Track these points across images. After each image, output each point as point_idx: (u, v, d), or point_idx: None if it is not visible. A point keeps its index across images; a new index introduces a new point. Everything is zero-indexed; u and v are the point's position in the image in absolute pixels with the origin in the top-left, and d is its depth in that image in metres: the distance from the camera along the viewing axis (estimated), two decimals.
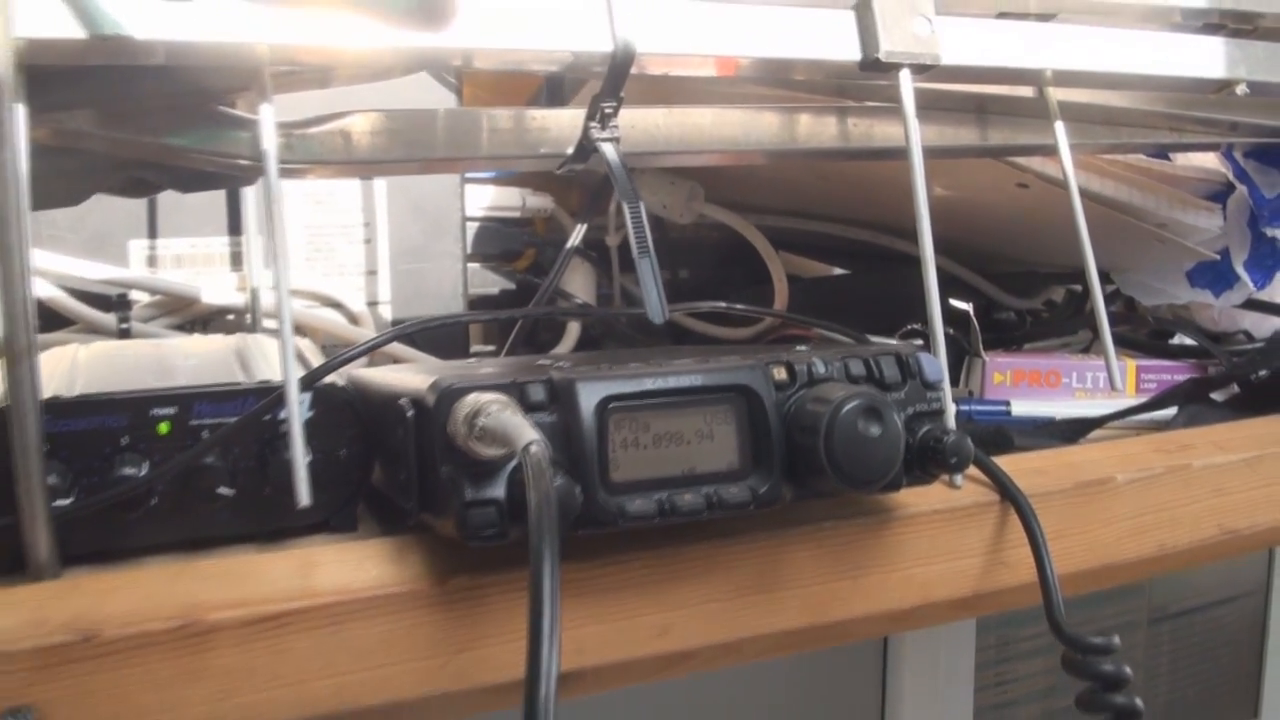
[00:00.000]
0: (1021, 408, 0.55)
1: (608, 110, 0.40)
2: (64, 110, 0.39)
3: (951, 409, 0.37)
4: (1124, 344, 0.66)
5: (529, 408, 0.31)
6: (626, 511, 0.31)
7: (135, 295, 0.58)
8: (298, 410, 0.35)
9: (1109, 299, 0.71)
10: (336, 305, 0.61)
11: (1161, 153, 0.66)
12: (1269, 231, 0.66)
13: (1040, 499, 0.40)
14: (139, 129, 0.39)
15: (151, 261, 0.59)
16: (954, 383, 0.57)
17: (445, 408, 0.30)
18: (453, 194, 0.64)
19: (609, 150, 0.40)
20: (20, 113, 0.33)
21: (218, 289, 0.58)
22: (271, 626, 0.31)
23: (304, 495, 0.34)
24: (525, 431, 0.27)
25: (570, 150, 0.43)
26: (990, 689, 0.94)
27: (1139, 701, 0.36)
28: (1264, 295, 0.70)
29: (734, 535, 0.36)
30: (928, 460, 0.34)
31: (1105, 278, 0.72)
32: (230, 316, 0.60)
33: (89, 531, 0.35)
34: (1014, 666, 0.95)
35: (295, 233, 0.61)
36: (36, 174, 0.35)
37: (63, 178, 0.42)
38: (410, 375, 0.36)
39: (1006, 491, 0.40)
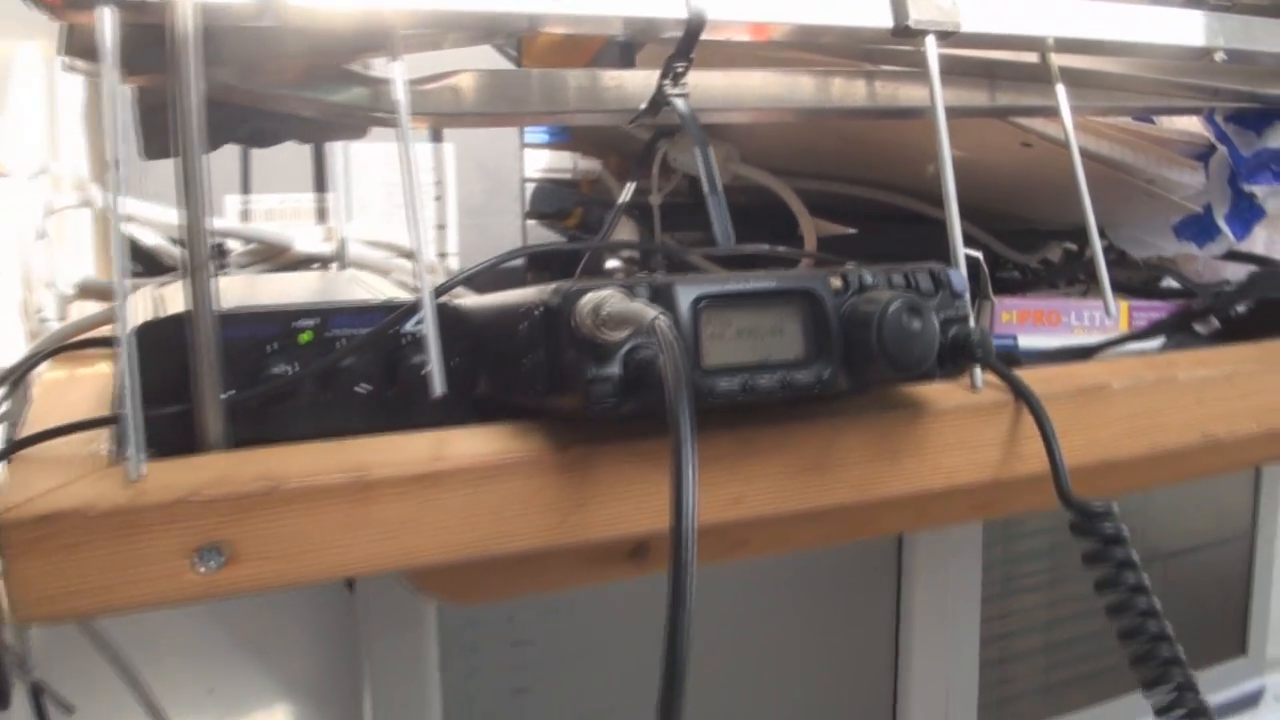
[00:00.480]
0: (1027, 341, 0.63)
1: (679, 70, 0.47)
2: (213, 66, 0.45)
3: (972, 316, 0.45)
4: (1117, 288, 0.73)
5: None
6: (716, 390, 0.38)
7: (230, 244, 0.65)
8: (433, 315, 0.42)
9: (1104, 252, 0.79)
10: (410, 256, 0.68)
11: (1147, 117, 0.73)
12: (1247, 188, 0.73)
13: (1046, 401, 0.48)
14: (280, 84, 0.46)
15: (245, 215, 0.66)
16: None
17: (570, 305, 0.37)
18: (513, 156, 0.71)
19: (680, 104, 0.47)
20: (200, 67, 0.39)
21: (308, 238, 0.65)
22: (424, 484, 0.38)
23: (438, 386, 0.41)
24: (648, 311, 0.34)
25: (642, 106, 0.50)
26: (995, 620, 1.01)
27: (1134, 553, 0.43)
28: (1244, 247, 0.77)
29: (796, 421, 0.43)
30: (958, 353, 0.41)
31: (1100, 233, 0.79)
32: (315, 265, 0.67)
33: (244, 423, 0.41)
34: (1017, 600, 1.03)
35: (376, 190, 0.67)
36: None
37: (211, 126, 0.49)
38: (514, 295, 0.43)
39: (1020, 392, 0.47)
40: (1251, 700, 1.23)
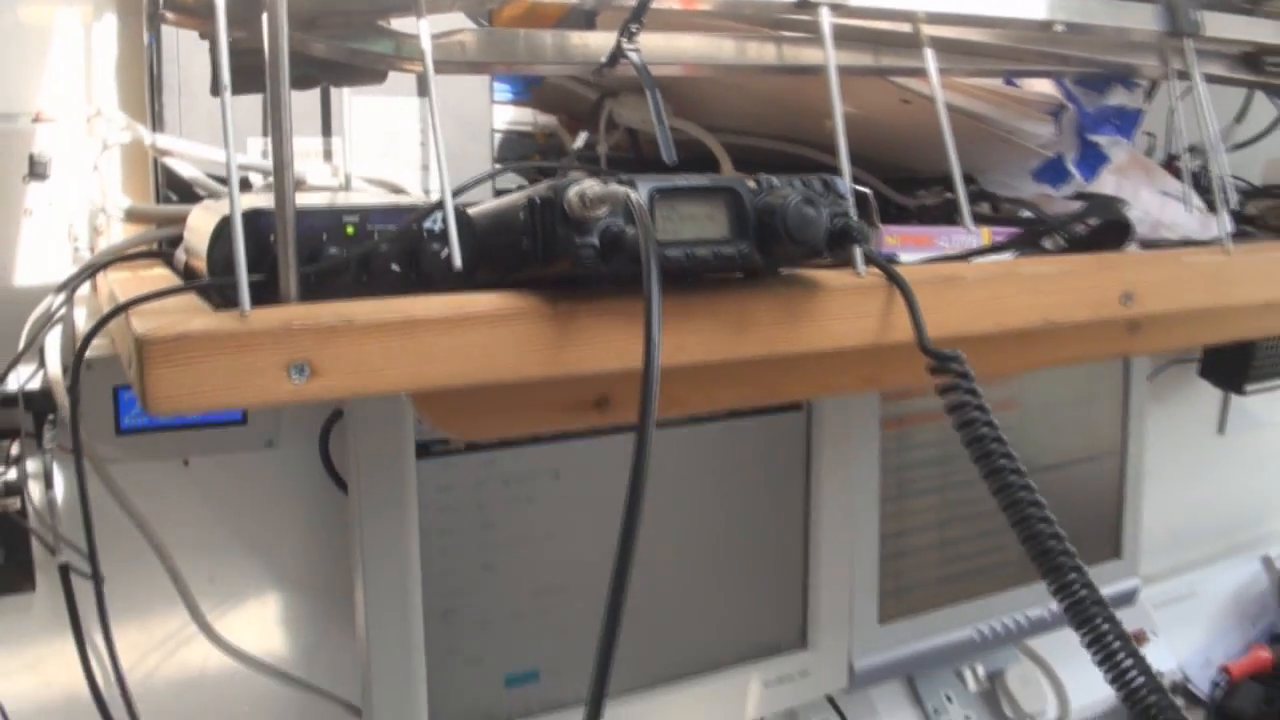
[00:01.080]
0: (905, 257, 0.78)
1: (634, 30, 0.61)
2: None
3: (866, 213, 0.59)
4: (982, 220, 0.88)
5: None
6: (667, 257, 0.53)
7: (253, 178, 0.78)
8: (451, 211, 0.56)
9: (974, 196, 0.94)
10: (400, 190, 0.81)
11: (1011, 80, 0.89)
12: (1092, 138, 0.90)
13: (913, 285, 0.63)
14: (323, 34, 0.59)
15: (265, 154, 0.79)
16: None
17: (561, 192, 0.51)
18: (484, 111, 0.85)
19: (634, 57, 0.61)
20: (284, 23, 0.53)
21: (318, 174, 0.78)
22: (453, 325, 0.52)
23: (457, 260, 0.55)
24: (621, 190, 0.49)
25: (604, 59, 0.64)
26: (892, 520, 1.17)
27: (979, 390, 0.58)
28: (1092, 188, 0.93)
29: (722, 291, 0.58)
30: (841, 236, 0.56)
31: (970, 177, 0.94)
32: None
33: (306, 292, 0.54)
34: (911, 502, 1.19)
35: (373, 136, 0.81)
36: (240, 66, 0.55)
37: (257, 71, 0.62)
38: (510, 197, 0.57)
39: (891, 275, 0.62)
40: (1128, 598, 1.42)
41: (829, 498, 1.11)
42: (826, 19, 0.65)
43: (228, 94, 0.51)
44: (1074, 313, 0.72)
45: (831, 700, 1.24)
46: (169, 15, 0.58)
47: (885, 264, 0.63)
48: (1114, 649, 0.59)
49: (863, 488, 1.15)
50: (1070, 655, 1.42)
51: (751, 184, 0.56)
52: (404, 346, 0.51)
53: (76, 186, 0.80)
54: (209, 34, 0.59)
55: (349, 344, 0.50)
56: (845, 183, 0.59)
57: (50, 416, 0.86)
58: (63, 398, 0.78)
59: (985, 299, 0.67)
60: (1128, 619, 1.48)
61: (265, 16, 0.51)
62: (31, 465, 0.89)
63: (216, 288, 0.53)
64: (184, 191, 0.77)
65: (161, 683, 0.95)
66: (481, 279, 0.57)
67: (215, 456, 0.94)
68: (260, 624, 1.00)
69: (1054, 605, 1.20)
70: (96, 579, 0.82)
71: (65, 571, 0.88)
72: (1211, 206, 0.93)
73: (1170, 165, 1.19)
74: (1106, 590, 1.34)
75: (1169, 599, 1.62)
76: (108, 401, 0.86)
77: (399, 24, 0.61)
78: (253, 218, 0.54)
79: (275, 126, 0.53)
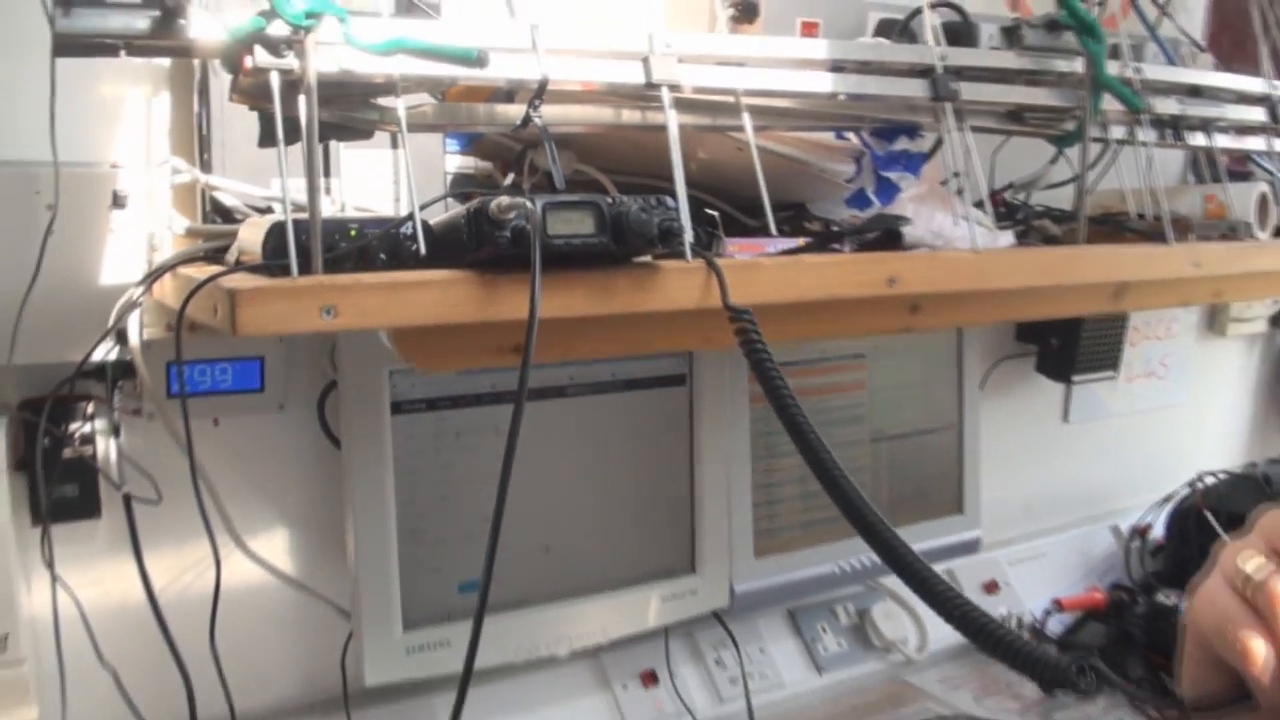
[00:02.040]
0: (740, 256, 1.10)
1: (536, 104, 0.94)
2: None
3: (683, 218, 0.92)
4: (802, 233, 1.21)
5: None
6: (553, 244, 0.85)
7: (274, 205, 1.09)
8: (419, 219, 0.87)
9: (807, 218, 1.27)
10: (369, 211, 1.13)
11: (841, 133, 1.22)
12: (885, 174, 1.23)
13: (724, 269, 0.95)
14: (332, 108, 0.91)
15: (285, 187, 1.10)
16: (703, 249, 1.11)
17: (488, 202, 0.83)
18: (439, 158, 1.17)
19: (537, 120, 0.94)
20: (315, 102, 0.84)
21: (323, 201, 1.09)
22: (420, 286, 0.84)
23: (423, 249, 0.87)
24: (524, 201, 0.81)
25: (519, 123, 0.96)
26: (762, 474, 1.50)
27: (760, 332, 0.90)
28: (892, 210, 1.26)
29: (593, 270, 0.90)
30: (668, 233, 0.88)
31: (802, 207, 1.27)
32: None
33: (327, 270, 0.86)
34: (778, 460, 1.51)
35: (358, 178, 1.13)
36: (272, 129, 0.87)
37: (292, 130, 0.94)
38: (458, 210, 0.89)
39: (707, 261, 0.94)
40: (970, 547, 1.74)
41: (709, 455, 1.44)
42: (667, 96, 0.98)
43: (282, 148, 0.83)
44: (848, 290, 1.05)
45: (723, 624, 1.56)
46: (234, 97, 0.90)
47: (703, 252, 0.95)
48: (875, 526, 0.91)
49: (737, 448, 1.47)
50: None
51: (610, 200, 0.88)
52: (390, 299, 0.83)
53: (144, 213, 1.11)
54: (258, 108, 0.91)
55: (358, 296, 0.82)
56: (678, 200, 0.91)
57: (119, 383, 1.17)
58: (143, 366, 1.09)
59: (780, 279, 1.00)
60: (980, 570, 1.82)
61: (301, 99, 0.83)
62: (100, 424, 1.19)
63: (272, 267, 0.85)
64: (225, 216, 1.08)
65: (200, 593, 1.25)
66: (438, 262, 0.89)
67: (239, 417, 1.25)
68: (270, 551, 1.30)
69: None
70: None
71: (128, 500, 1.18)
72: (999, 224, 1.27)
73: (995, 197, 1.54)
74: (950, 540, 1.68)
75: (1022, 558, 1.94)
76: (161, 373, 1.17)
77: (382, 100, 0.93)
78: (281, 226, 0.85)
79: (310, 167, 0.85)
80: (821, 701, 1.61)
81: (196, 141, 1.11)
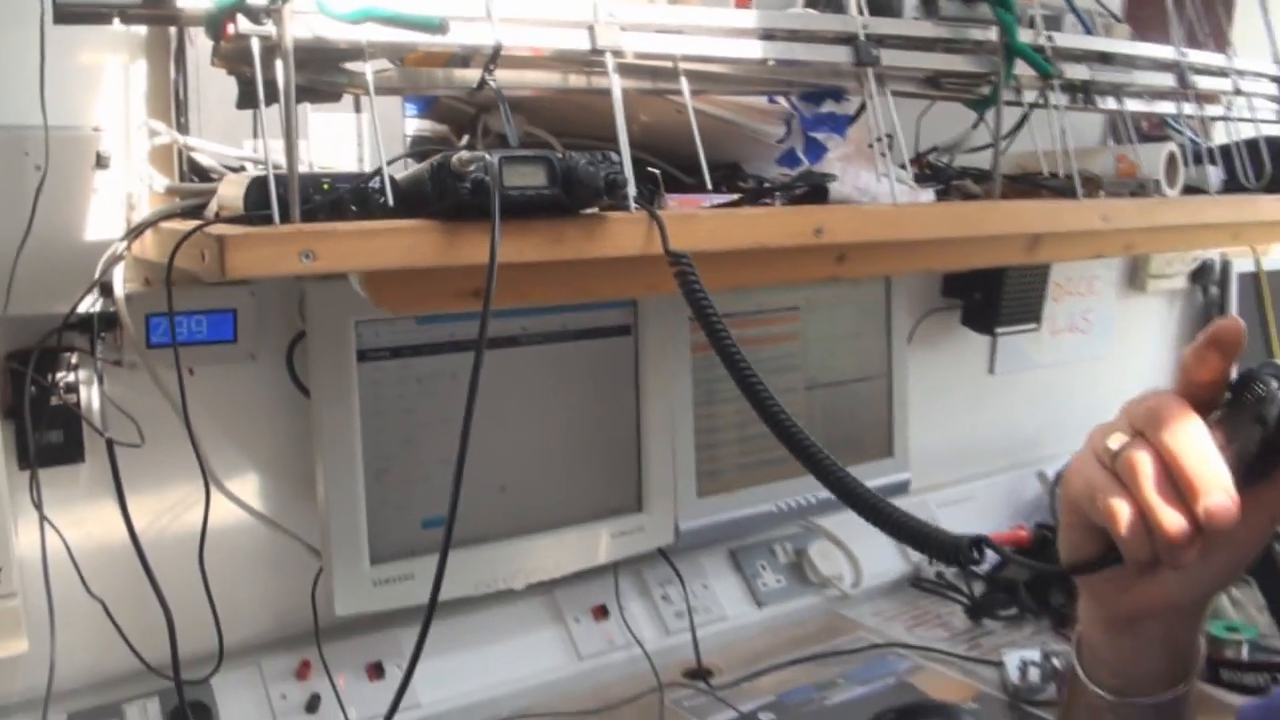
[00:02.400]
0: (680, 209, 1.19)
1: (491, 68, 1.03)
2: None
3: (627, 171, 1.01)
4: (736, 190, 1.30)
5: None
6: (509, 195, 0.94)
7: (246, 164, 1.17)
8: (387, 172, 0.96)
9: (741, 176, 1.37)
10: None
11: (773, 97, 1.31)
12: (813, 135, 1.33)
13: (665, 219, 1.04)
14: (305, 72, 0.99)
15: (255, 148, 1.18)
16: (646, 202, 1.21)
17: (449, 157, 0.92)
18: (399, 122, 1.25)
19: (492, 83, 1.03)
20: (292, 67, 0.93)
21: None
22: (391, 233, 0.93)
23: (390, 201, 0.95)
24: (487, 156, 0.90)
25: (475, 86, 1.05)
26: (704, 419, 1.60)
27: (698, 275, 0.99)
28: (820, 169, 1.36)
29: (547, 219, 0.99)
30: (614, 185, 0.98)
31: (736, 165, 1.37)
32: None
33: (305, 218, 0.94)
34: (719, 407, 1.61)
35: (324, 140, 1.21)
36: (249, 91, 0.95)
37: (269, 93, 1.02)
38: (424, 164, 0.97)
39: (649, 211, 1.04)
40: (901, 488, 1.85)
41: (654, 401, 1.54)
42: (611, 62, 1.07)
43: (261, 108, 0.92)
44: (778, 240, 1.15)
45: (669, 560, 1.66)
46: (215, 61, 0.98)
47: (644, 204, 1.04)
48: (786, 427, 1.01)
49: (680, 395, 1.58)
50: (861, 535, 1.87)
51: (560, 155, 0.97)
52: (362, 244, 0.92)
53: (124, 173, 1.19)
54: (236, 72, 0.99)
55: (333, 242, 0.91)
56: (622, 156, 1.01)
57: (101, 335, 1.25)
58: (127, 316, 1.17)
59: (716, 228, 1.10)
60: (913, 510, 1.91)
61: (279, 64, 0.91)
62: (84, 374, 1.27)
63: (254, 217, 0.93)
64: (201, 175, 1.16)
65: (178, 531, 1.33)
66: (403, 213, 0.98)
67: (213, 367, 1.33)
68: (244, 493, 1.38)
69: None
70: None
71: (111, 445, 1.26)
72: (918, 182, 1.37)
73: (919, 159, 1.64)
74: (881, 481, 1.80)
75: (951, 500, 2.06)
76: (142, 324, 1.24)
77: (350, 65, 1.01)
78: (262, 180, 0.94)
79: (288, 126, 0.93)
80: (761, 633, 1.72)
81: (173, 105, 1.19)
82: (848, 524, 1.85)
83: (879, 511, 0.76)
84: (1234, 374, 0.68)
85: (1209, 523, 0.61)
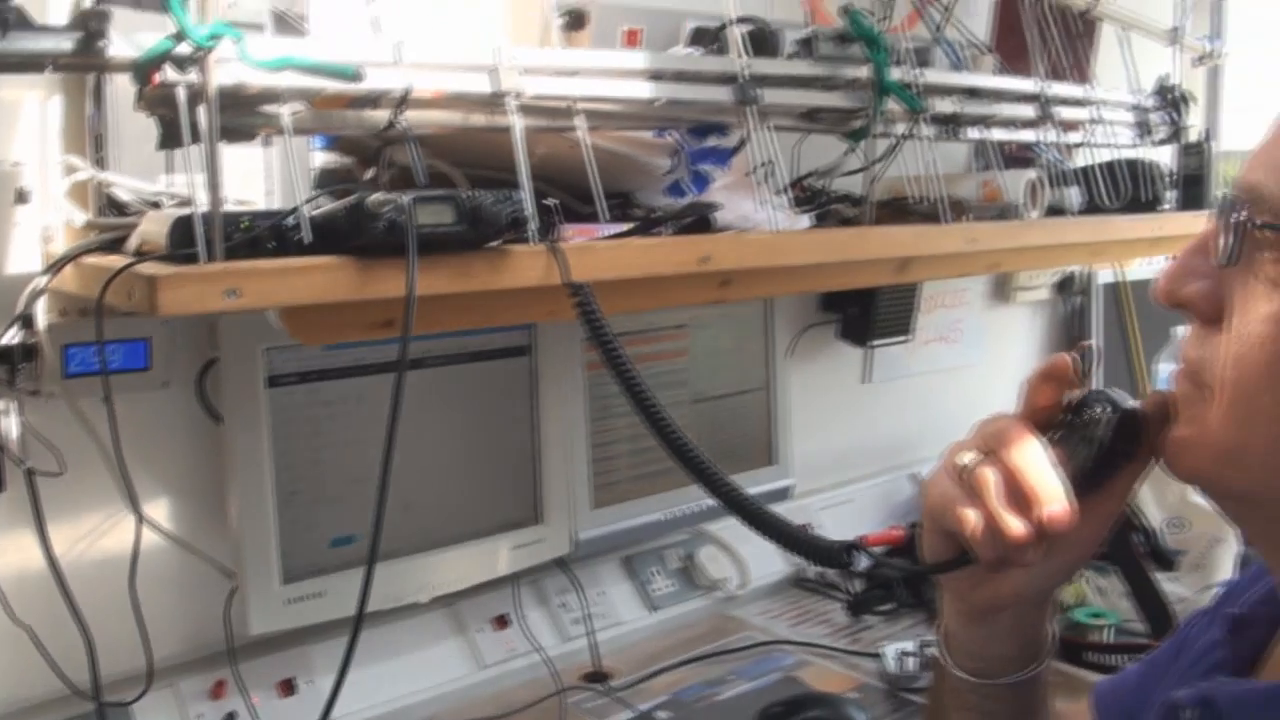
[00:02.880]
0: (576, 239, 1.27)
1: (400, 110, 1.09)
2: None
3: (528, 208, 1.08)
4: (628, 219, 1.38)
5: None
6: (423, 231, 1.01)
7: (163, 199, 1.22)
8: (305, 212, 1.02)
9: (632, 206, 1.45)
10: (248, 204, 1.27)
11: (660, 131, 1.40)
12: (698, 167, 1.42)
13: (565, 251, 1.12)
14: (227, 115, 1.05)
15: (169, 184, 1.23)
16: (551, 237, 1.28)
17: (364, 198, 0.99)
18: (306, 154, 1.31)
19: (402, 122, 1.10)
20: (217, 111, 0.98)
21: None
22: (309, 270, 0.99)
23: (308, 238, 1.02)
24: (401, 198, 0.97)
25: (384, 126, 1.12)
26: (599, 434, 1.68)
27: (597, 303, 1.07)
28: (705, 198, 1.45)
29: (455, 255, 1.06)
30: (516, 221, 1.05)
31: (628, 195, 1.45)
32: None
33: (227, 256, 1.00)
34: (612, 421, 1.70)
35: (235, 174, 1.26)
36: (170, 131, 1.01)
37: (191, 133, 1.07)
38: (341, 202, 1.04)
39: (551, 248, 1.11)
40: (784, 493, 1.95)
41: (550, 417, 1.62)
42: (512, 103, 1.15)
43: (187, 149, 0.97)
44: (668, 268, 1.23)
45: (567, 569, 1.74)
46: (138, 106, 1.03)
47: (545, 239, 1.12)
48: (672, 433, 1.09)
49: (575, 411, 1.65)
50: (746, 539, 1.96)
51: (467, 194, 1.04)
52: (283, 281, 0.98)
53: (41, 207, 1.23)
54: (159, 115, 1.04)
55: (256, 280, 0.97)
56: (524, 193, 1.08)
57: (21, 365, 1.28)
58: (49, 348, 1.21)
59: (611, 259, 1.18)
60: (794, 515, 2.04)
61: (202, 109, 0.97)
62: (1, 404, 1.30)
63: (177, 255, 0.99)
64: (119, 209, 1.21)
65: (97, 557, 1.37)
66: (319, 249, 1.04)
67: (128, 395, 1.36)
68: (158, 516, 1.42)
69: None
70: None
71: (30, 474, 1.29)
72: (801, 209, 1.47)
73: (797, 184, 1.74)
74: (765, 488, 1.89)
75: (832, 504, 2.17)
76: (57, 355, 1.28)
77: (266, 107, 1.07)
78: (186, 220, 0.99)
79: (211, 168, 0.99)
80: (655, 636, 1.80)
81: (90, 141, 1.23)
82: (734, 529, 1.94)
83: (765, 522, 0.86)
84: (1073, 395, 0.79)
85: (1050, 527, 0.72)
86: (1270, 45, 2.84)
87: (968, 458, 0.76)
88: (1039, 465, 0.73)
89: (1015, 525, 0.73)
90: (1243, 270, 0.68)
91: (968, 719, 0.88)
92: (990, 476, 0.74)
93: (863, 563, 0.83)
